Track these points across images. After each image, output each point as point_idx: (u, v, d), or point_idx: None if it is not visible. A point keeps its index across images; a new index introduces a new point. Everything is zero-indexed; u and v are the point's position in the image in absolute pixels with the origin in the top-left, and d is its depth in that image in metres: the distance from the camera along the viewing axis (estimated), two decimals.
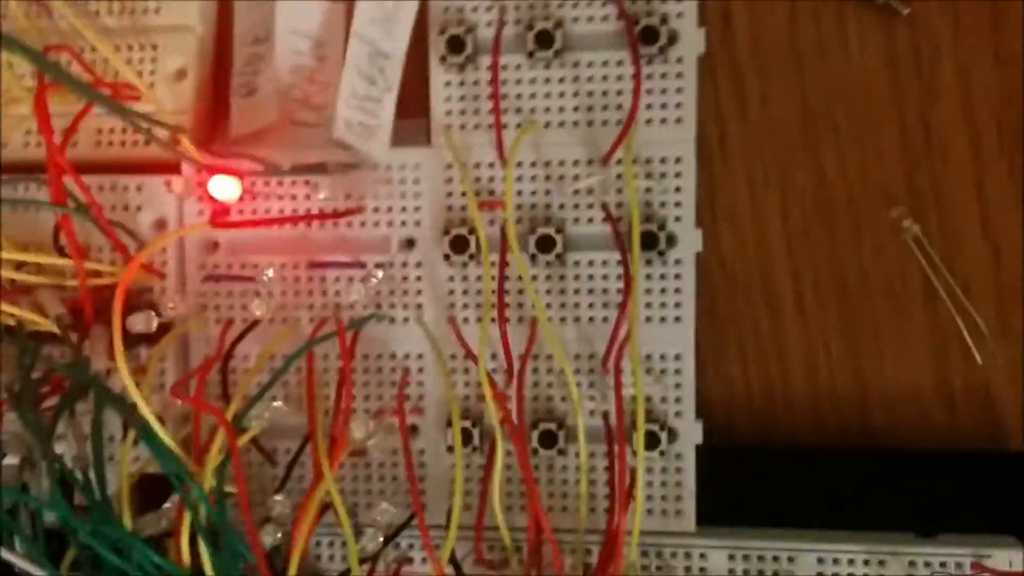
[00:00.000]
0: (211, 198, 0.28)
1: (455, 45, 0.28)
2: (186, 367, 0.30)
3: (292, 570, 0.24)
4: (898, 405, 0.31)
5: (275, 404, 0.26)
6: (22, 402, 0.25)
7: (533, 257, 0.29)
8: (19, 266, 0.28)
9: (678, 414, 0.29)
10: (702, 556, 0.29)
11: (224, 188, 0.27)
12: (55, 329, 0.27)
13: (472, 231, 0.28)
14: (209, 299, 0.30)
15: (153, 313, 0.28)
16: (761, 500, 0.30)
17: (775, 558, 0.29)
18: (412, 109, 0.30)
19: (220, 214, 0.29)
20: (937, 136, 0.30)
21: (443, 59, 0.29)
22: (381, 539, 0.26)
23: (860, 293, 0.31)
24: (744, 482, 0.30)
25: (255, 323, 0.29)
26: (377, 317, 0.29)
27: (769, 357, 0.31)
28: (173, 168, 0.29)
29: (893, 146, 0.31)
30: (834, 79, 0.31)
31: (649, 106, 0.28)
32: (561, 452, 0.29)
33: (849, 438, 0.31)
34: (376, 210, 0.30)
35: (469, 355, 0.29)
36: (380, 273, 0.29)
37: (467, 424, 0.29)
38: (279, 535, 0.26)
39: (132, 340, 0.28)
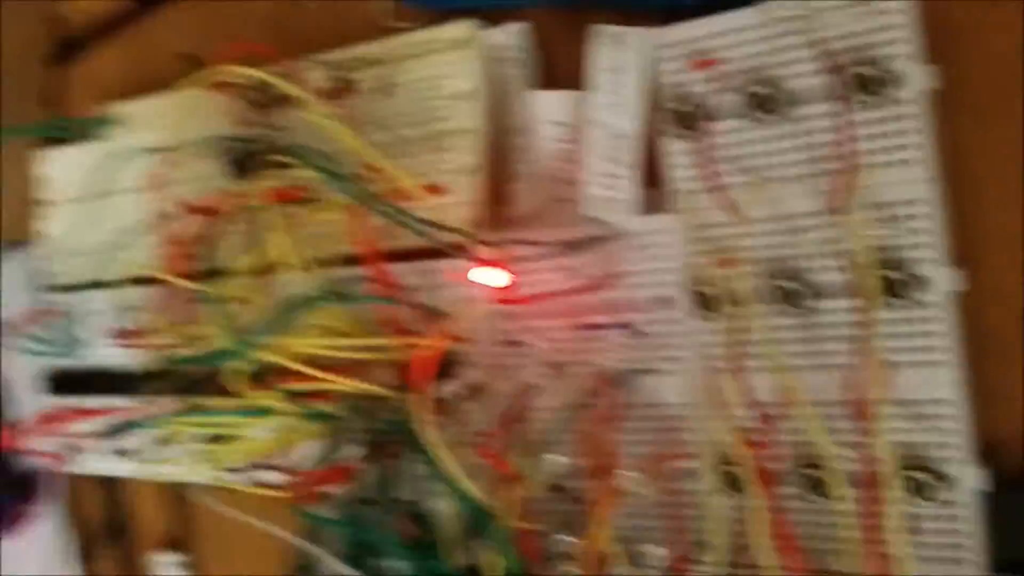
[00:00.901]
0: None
1: (683, 119, 0.30)
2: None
3: None
4: None
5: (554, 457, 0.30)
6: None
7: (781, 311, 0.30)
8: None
9: (950, 460, 0.28)
10: None
11: (487, 277, 0.31)
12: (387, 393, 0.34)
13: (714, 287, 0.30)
14: (505, 361, 0.35)
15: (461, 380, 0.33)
16: None
17: None
18: (652, 179, 0.32)
19: (503, 292, 0.33)
20: None
21: (672, 132, 0.31)
22: None
23: None
24: None
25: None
26: (643, 372, 0.32)
27: None
28: None
29: None
30: None
31: (884, 149, 0.28)
32: (823, 495, 0.29)
33: None
34: (632, 274, 0.32)
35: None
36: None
37: (731, 468, 0.31)
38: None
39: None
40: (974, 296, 0.29)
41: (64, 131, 0.51)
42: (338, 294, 0.33)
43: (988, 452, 0.29)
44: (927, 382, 0.28)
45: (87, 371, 0.48)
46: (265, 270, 0.37)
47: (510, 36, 0.36)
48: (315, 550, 0.32)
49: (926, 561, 0.28)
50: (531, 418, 0.33)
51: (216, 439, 0.37)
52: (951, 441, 0.28)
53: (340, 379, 0.34)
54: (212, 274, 0.39)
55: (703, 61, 0.30)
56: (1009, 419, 0.29)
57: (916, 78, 0.27)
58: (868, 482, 0.28)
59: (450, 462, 0.30)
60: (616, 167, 0.32)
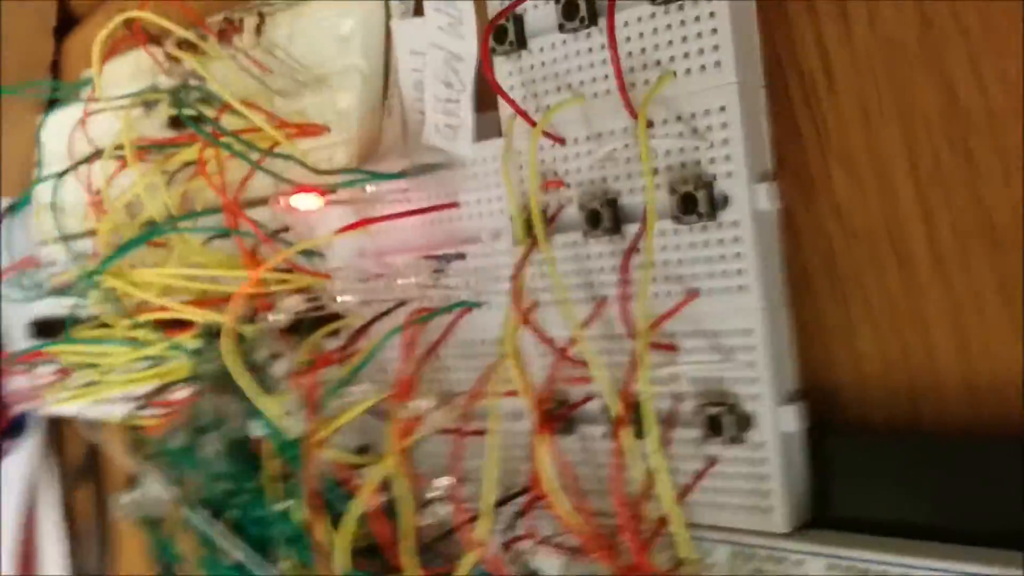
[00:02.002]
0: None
1: (500, 36, 0.29)
2: None
3: None
4: None
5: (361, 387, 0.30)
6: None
7: (585, 233, 0.28)
8: None
9: (755, 397, 0.25)
10: (797, 563, 0.25)
11: (305, 202, 0.31)
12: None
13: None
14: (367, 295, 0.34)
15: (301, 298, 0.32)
16: (895, 501, 0.25)
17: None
18: (485, 104, 0.31)
19: (349, 226, 0.33)
20: None
21: (493, 50, 0.29)
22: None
23: (1016, 235, 0.24)
24: (875, 478, 0.25)
25: (382, 315, 0.32)
26: (469, 304, 0.31)
27: (905, 324, 0.26)
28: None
29: None
30: None
31: (687, 55, 0.26)
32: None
33: (1012, 425, 0.24)
34: (469, 203, 0.31)
35: (541, 338, 0.28)
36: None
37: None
38: None
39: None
40: (806, 216, 0.26)
41: (54, 93, 0.54)
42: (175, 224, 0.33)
43: (813, 394, 0.26)
44: (731, 311, 0.25)
45: (61, 318, 0.51)
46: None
47: None
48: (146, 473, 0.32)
49: (738, 512, 0.26)
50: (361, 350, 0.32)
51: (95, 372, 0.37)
52: (755, 376, 0.25)
53: (194, 310, 0.34)
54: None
55: None
56: (840, 358, 0.26)
57: None
58: (667, 421, 0.26)
59: (252, 390, 0.29)
60: (453, 92, 0.31)
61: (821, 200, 0.26)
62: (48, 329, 0.52)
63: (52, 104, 0.55)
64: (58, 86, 0.54)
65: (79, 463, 0.55)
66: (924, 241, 0.25)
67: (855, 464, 0.26)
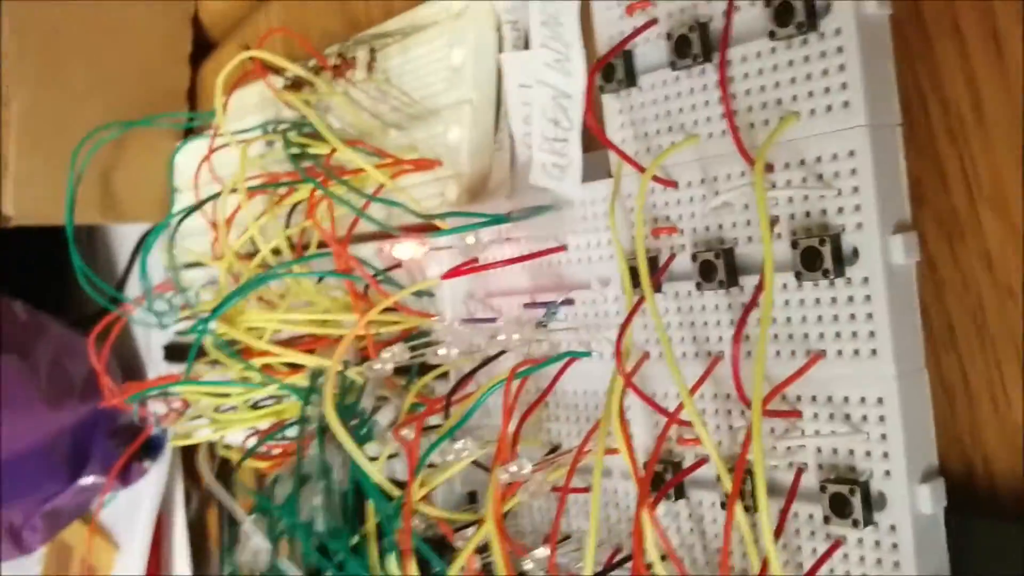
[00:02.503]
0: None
1: (609, 73, 0.27)
2: None
3: None
4: None
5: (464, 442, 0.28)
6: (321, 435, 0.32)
7: (699, 285, 0.26)
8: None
9: (887, 474, 0.23)
10: None
11: (406, 251, 0.30)
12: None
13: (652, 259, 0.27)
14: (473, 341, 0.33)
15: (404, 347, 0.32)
16: None
17: None
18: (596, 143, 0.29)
19: (454, 272, 0.32)
20: None
21: (602, 88, 0.27)
22: None
23: None
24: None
25: (484, 363, 0.31)
26: (575, 354, 0.29)
27: None
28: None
29: None
30: None
31: (811, 94, 0.23)
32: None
33: None
34: (577, 247, 0.30)
35: (647, 401, 0.27)
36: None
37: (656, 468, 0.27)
38: None
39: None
40: (952, 266, 0.24)
41: (188, 124, 0.56)
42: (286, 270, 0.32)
43: (956, 469, 0.23)
44: (860, 377, 0.23)
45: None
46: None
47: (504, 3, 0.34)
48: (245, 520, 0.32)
49: None
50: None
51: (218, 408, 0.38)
52: (887, 450, 0.23)
53: (295, 353, 0.34)
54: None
55: (637, 3, 0.27)
56: (990, 428, 0.23)
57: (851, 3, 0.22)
58: (787, 497, 0.24)
59: (348, 443, 0.29)
60: (561, 130, 0.29)
61: (970, 249, 0.23)
62: (180, 352, 0.53)
63: (189, 131, 0.57)
64: (193, 116, 0.56)
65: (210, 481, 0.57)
66: None
67: (1003, 551, 0.22)
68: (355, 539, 0.30)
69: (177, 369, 0.53)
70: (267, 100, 0.47)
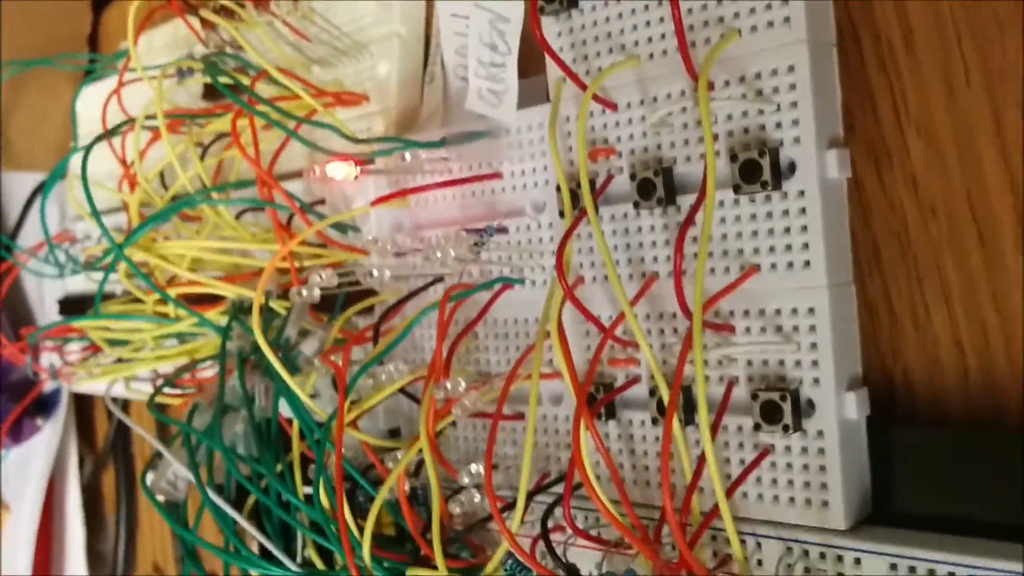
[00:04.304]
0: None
1: None
2: None
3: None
4: None
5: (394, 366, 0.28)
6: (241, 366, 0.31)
7: (636, 205, 0.26)
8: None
9: (816, 381, 0.23)
10: (856, 562, 0.23)
11: (339, 171, 0.29)
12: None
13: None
14: (402, 271, 0.33)
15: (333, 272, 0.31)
16: (964, 499, 0.23)
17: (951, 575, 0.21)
18: (532, 68, 0.29)
19: (385, 197, 0.31)
20: None
21: (542, 9, 0.27)
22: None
23: None
24: (944, 474, 0.23)
25: (414, 292, 0.31)
26: (508, 280, 0.29)
27: (985, 307, 0.23)
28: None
29: None
30: None
31: (752, 11, 0.24)
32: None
33: None
34: (512, 174, 0.29)
35: (587, 316, 0.26)
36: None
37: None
38: None
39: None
40: (878, 188, 0.24)
41: (91, 66, 0.53)
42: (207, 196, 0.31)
43: (878, 380, 0.24)
44: (793, 288, 0.23)
45: (89, 294, 0.50)
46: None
47: None
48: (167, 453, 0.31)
49: (793, 507, 0.24)
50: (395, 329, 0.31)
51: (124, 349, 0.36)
52: (817, 359, 0.23)
53: (224, 284, 0.32)
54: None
55: None
56: (911, 343, 0.24)
57: None
58: (719, 407, 0.24)
59: (279, 367, 0.28)
60: (498, 55, 0.29)
61: (896, 171, 0.24)
62: (78, 306, 0.51)
63: (89, 76, 0.55)
64: (95, 58, 0.53)
65: (105, 443, 0.54)
66: (1010, 215, 0.23)
67: (922, 457, 0.23)
68: (278, 467, 0.29)
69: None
70: (177, 41, 0.45)
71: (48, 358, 0.49)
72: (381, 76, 0.35)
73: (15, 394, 0.52)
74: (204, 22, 0.39)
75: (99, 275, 0.39)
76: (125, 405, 0.48)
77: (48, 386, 0.53)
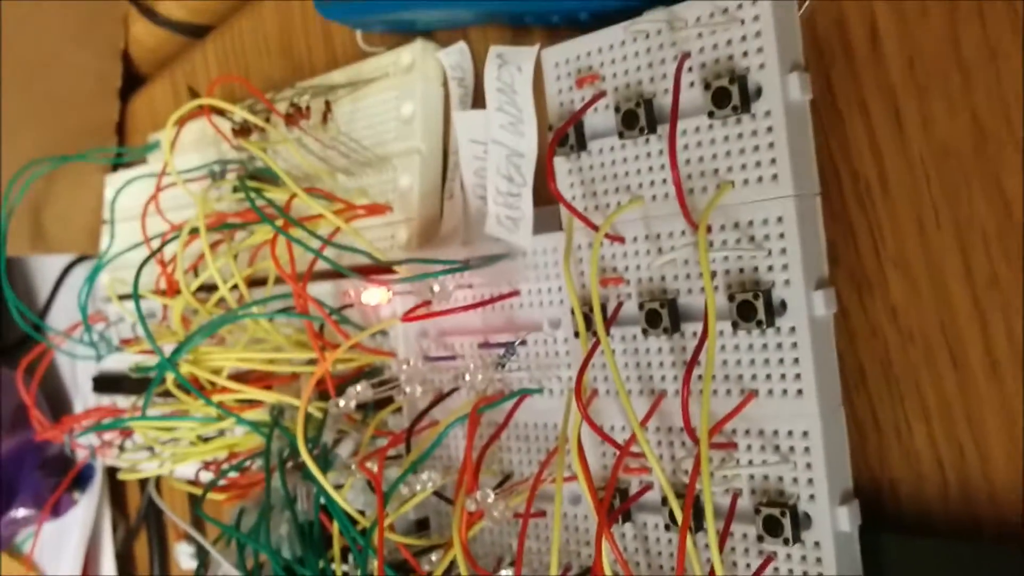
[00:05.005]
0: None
1: (568, 137, 0.30)
2: None
3: None
4: None
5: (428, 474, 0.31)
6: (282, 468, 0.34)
7: (644, 331, 0.29)
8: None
9: (812, 498, 0.26)
10: None
11: (374, 296, 0.32)
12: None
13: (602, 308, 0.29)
14: (430, 376, 0.35)
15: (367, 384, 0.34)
16: None
17: None
18: (546, 197, 0.32)
19: (413, 311, 0.34)
20: None
21: (555, 151, 0.30)
22: None
23: None
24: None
25: (440, 399, 0.33)
26: (528, 391, 0.32)
27: (959, 426, 0.26)
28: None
29: None
30: (1011, 86, 0.25)
31: (744, 166, 0.27)
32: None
33: None
34: (529, 292, 0.32)
35: (603, 436, 0.29)
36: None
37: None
38: None
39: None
40: (862, 317, 0.27)
41: (121, 159, 0.56)
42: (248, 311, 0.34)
43: (867, 491, 0.27)
44: (789, 414, 0.26)
45: (121, 374, 0.53)
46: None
47: (451, 56, 0.37)
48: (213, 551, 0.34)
49: None
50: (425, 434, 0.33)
51: (170, 441, 0.39)
52: (812, 477, 0.26)
53: (257, 390, 0.35)
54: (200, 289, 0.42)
55: (586, 77, 0.30)
56: (894, 456, 0.27)
57: (778, 89, 0.25)
58: (726, 519, 0.27)
59: (317, 473, 0.30)
60: (514, 186, 0.32)
61: (877, 301, 0.27)
62: (110, 384, 0.54)
63: (118, 164, 0.58)
64: (125, 151, 0.56)
65: (138, 513, 0.57)
66: (979, 345, 0.26)
67: (908, 564, 0.26)
68: (321, 565, 0.32)
69: (106, 400, 0.53)
70: (205, 139, 0.48)
71: (86, 437, 0.52)
72: (403, 188, 0.37)
73: (51, 470, 0.55)
74: (236, 132, 0.42)
75: (144, 372, 0.42)
76: (157, 486, 0.51)
77: (83, 463, 0.56)
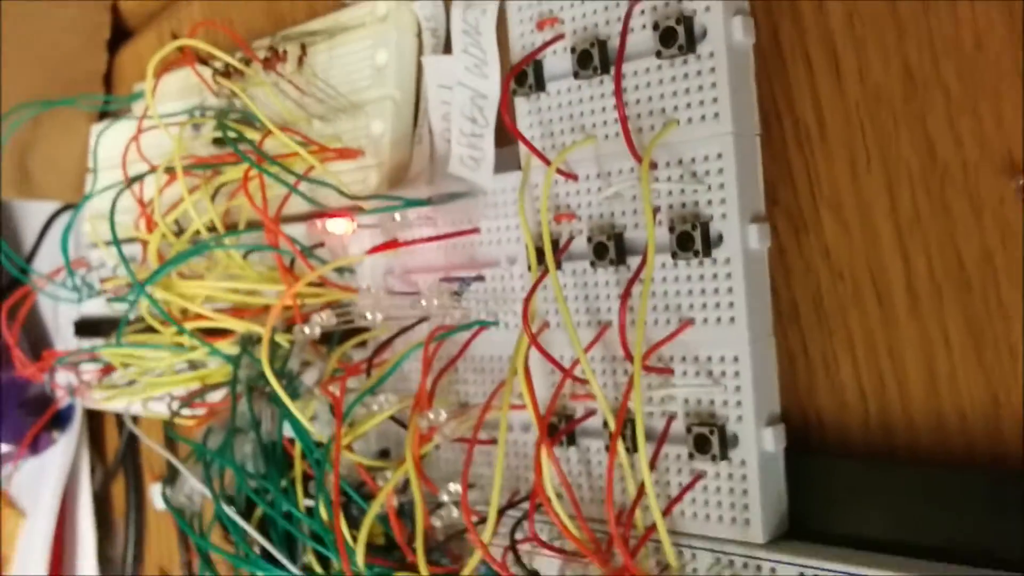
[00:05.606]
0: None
1: (521, 79, 0.31)
2: None
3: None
4: None
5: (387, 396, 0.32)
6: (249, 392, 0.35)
7: (592, 263, 0.30)
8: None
9: (739, 419, 0.28)
10: (772, 571, 0.27)
11: (339, 226, 0.33)
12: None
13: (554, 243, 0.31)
14: (392, 311, 0.37)
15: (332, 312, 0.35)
16: (865, 520, 0.27)
17: None
18: (508, 138, 0.33)
19: (379, 248, 0.35)
20: None
21: (514, 91, 0.32)
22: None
23: (984, 279, 0.26)
24: (849, 498, 0.27)
25: (402, 330, 0.35)
26: (484, 323, 0.33)
27: (881, 357, 0.28)
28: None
29: (1015, 106, 0.25)
30: (941, 36, 0.26)
31: (688, 105, 0.28)
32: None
33: (976, 455, 0.26)
34: (488, 230, 0.34)
35: (548, 359, 0.31)
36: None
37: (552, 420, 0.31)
38: None
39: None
40: (797, 254, 0.29)
41: (108, 106, 0.57)
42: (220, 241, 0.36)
43: (796, 418, 0.29)
44: (724, 341, 0.28)
45: (102, 317, 0.54)
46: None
47: (426, 8, 0.38)
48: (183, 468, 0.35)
49: (722, 523, 0.28)
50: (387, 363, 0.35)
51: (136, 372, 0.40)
52: (740, 399, 0.28)
53: (235, 320, 0.37)
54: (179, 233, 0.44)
55: (546, 20, 0.31)
56: (822, 387, 0.29)
57: (721, 31, 0.27)
58: (659, 438, 0.29)
59: (284, 396, 0.32)
60: (477, 127, 0.34)
61: (812, 240, 0.29)
62: (91, 328, 0.55)
63: (105, 114, 0.59)
64: (111, 99, 0.58)
65: (116, 455, 0.58)
66: (902, 281, 0.27)
67: (830, 484, 0.28)
68: (283, 483, 0.33)
69: (87, 344, 0.55)
70: (188, 87, 0.49)
71: (64, 377, 0.53)
72: (376, 134, 0.39)
73: (32, 409, 0.56)
74: (216, 77, 0.43)
75: (120, 304, 0.43)
76: (135, 420, 0.53)
77: (63, 401, 0.58)
